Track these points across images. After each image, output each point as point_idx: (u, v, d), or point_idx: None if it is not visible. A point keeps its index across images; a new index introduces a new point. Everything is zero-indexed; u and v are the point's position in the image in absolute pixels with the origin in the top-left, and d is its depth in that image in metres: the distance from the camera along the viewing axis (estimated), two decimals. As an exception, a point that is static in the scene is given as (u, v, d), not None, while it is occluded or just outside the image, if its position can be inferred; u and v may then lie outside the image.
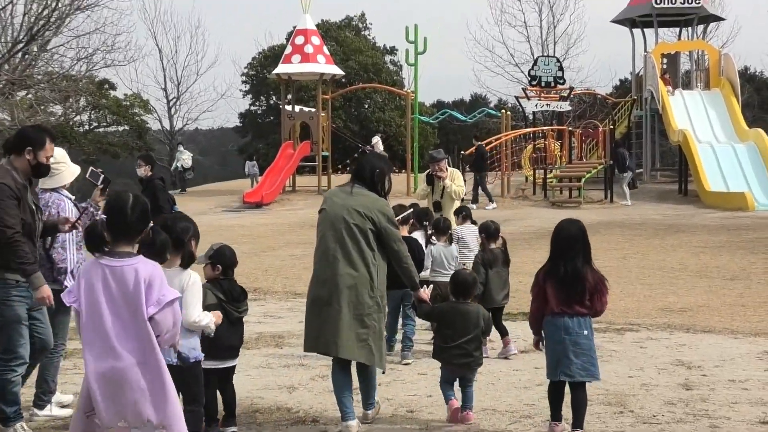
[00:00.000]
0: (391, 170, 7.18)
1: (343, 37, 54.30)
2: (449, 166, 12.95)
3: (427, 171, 12.88)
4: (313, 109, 34.81)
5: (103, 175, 7.10)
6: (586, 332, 6.37)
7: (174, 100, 53.65)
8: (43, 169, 6.59)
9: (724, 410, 6.96)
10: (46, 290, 6.25)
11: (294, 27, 38.67)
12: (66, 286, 6.35)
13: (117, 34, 30.95)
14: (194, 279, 5.62)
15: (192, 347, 5.63)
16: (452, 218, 11.44)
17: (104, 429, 4.57)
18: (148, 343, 4.53)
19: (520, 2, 54.59)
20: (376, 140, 38.51)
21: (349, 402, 6.52)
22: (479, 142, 28.71)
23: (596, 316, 6.51)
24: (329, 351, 6.51)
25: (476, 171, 28.01)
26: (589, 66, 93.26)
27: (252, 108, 58.43)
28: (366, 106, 54.23)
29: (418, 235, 9.88)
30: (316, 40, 33.23)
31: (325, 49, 33.97)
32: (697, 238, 19.34)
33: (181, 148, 39.55)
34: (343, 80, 52.50)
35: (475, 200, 27.11)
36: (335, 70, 33.98)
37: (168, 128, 53.93)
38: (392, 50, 58.12)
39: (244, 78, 57.13)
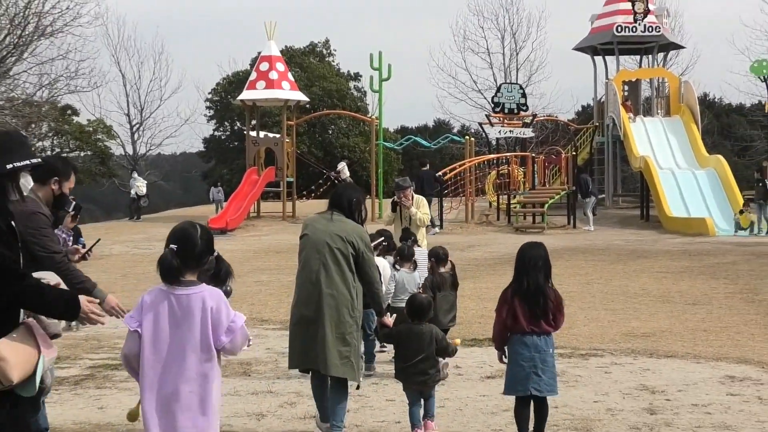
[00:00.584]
0: (365, 199, 7.65)
1: (308, 63, 54.51)
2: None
3: (393, 198, 13.02)
4: (277, 135, 34.88)
5: (74, 203, 7.42)
6: (551, 350, 6.79)
7: (137, 125, 53.56)
8: (64, 200, 6.59)
9: (688, 434, 7.06)
10: (113, 299, 6.11)
11: (258, 53, 38.76)
12: None
13: (80, 60, 30.77)
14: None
15: None
16: (425, 239, 11.97)
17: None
18: (209, 372, 4.69)
19: (483, 29, 55.15)
20: (342, 166, 38.73)
21: (324, 407, 7.09)
22: (423, 168, 28.92)
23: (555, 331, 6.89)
24: (318, 367, 6.87)
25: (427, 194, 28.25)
26: (552, 92, 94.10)
27: (216, 133, 58.41)
28: (330, 132, 54.37)
29: (387, 262, 10.00)
30: (280, 66, 33.34)
31: (290, 76, 34.11)
32: (659, 264, 19.58)
33: (135, 175, 39.11)
34: (308, 106, 52.72)
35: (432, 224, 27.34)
36: (300, 96, 34.09)
37: (131, 153, 53.78)
38: (356, 76, 58.42)
39: (208, 103, 57.12)
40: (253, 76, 33.54)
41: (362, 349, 8.16)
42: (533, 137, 48.76)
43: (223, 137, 58.63)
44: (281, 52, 57.33)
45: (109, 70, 60.65)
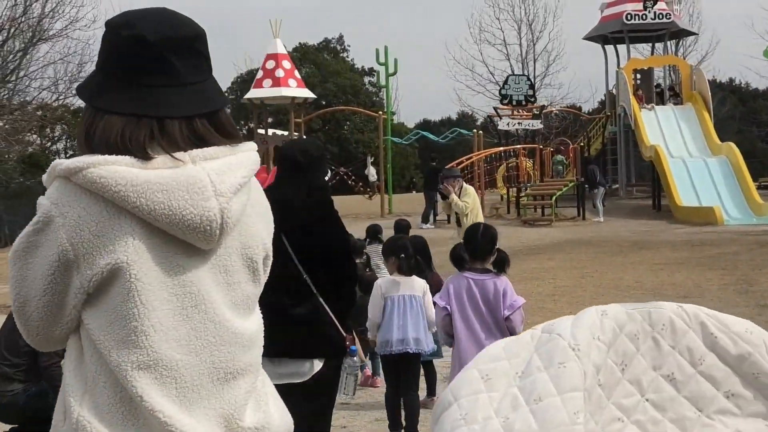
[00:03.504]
0: None
1: (321, 60, 54.43)
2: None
3: (439, 187, 13.96)
4: (285, 133, 34.81)
5: None
6: None
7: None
8: None
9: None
10: None
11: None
12: None
13: (81, 63, 30.83)
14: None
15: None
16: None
17: None
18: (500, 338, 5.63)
19: (498, 21, 54.81)
20: (373, 170, 38.15)
21: None
22: (432, 163, 28.93)
23: None
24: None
25: (428, 190, 28.25)
26: (570, 82, 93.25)
27: (259, 131, 58.42)
28: (345, 128, 54.32)
29: None
30: (287, 64, 33.24)
31: (297, 73, 34.00)
32: (660, 255, 19.31)
33: None
34: (323, 102, 52.70)
35: (425, 219, 27.36)
36: (307, 93, 33.98)
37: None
38: (371, 72, 58.27)
39: (248, 102, 57.12)
40: (260, 74, 33.48)
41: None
42: (552, 129, 48.76)
43: (241, 135, 58.70)
44: (294, 49, 57.71)
45: None
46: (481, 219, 13.35)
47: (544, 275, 17.08)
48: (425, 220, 27.88)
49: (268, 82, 32.82)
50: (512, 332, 5.69)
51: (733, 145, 31.51)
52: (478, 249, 6.11)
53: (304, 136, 40.48)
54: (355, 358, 5.25)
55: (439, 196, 13.97)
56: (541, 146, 32.78)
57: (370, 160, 37.61)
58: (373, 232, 12.70)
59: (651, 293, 14.65)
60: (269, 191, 4.70)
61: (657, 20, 36.27)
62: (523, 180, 30.67)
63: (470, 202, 13.21)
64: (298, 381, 4.73)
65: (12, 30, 26.20)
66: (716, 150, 31.86)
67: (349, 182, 34.32)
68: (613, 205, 31.91)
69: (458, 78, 64.99)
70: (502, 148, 32.57)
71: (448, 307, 6.01)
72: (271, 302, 4.37)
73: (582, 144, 31.38)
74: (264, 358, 4.39)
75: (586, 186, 29.31)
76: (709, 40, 73.78)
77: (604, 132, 37.30)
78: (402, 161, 53.74)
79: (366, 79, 57.73)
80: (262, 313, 4.34)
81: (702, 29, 57.84)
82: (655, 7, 36.12)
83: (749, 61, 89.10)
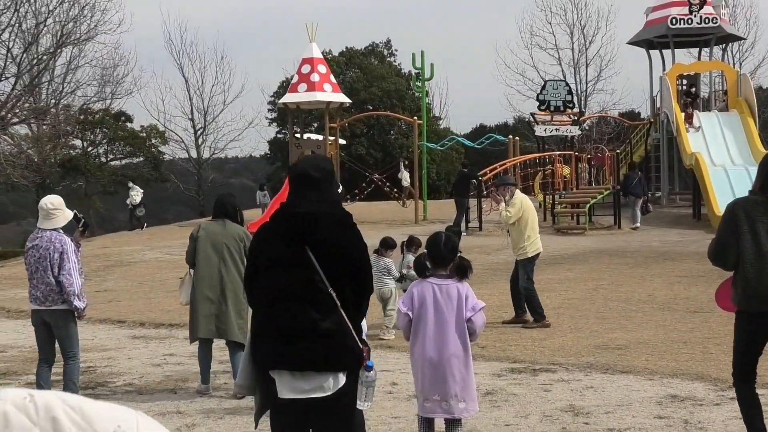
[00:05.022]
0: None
1: (367, 64, 54.20)
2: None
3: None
4: (321, 137, 34.62)
5: (83, 219, 9.29)
6: None
7: (201, 129, 54.01)
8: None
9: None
10: None
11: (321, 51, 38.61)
12: (76, 306, 8.36)
13: (104, 68, 31.05)
14: None
15: None
16: (527, 241, 12.86)
17: (422, 400, 6.35)
18: (465, 340, 6.31)
19: (550, 25, 54.24)
20: (406, 175, 37.87)
21: (208, 371, 9.19)
22: (464, 169, 28.51)
23: None
24: (221, 335, 9.09)
25: (459, 197, 27.81)
26: (623, 88, 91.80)
27: (279, 136, 58.50)
28: (390, 133, 54.01)
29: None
30: (322, 68, 33.03)
31: (332, 78, 33.76)
32: (682, 266, 18.71)
33: (130, 184, 38.27)
34: (369, 107, 52.47)
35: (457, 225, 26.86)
36: (342, 98, 33.72)
37: (195, 157, 54.27)
38: (418, 76, 57.86)
39: (270, 106, 57.26)
40: (295, 78, 33.30)
41: None
42: (605, 135, 48.01)
43: (286, 140, 58.76)
44: (341, 53, 57.63)
45: (165, 73, 61.35)
46: (533, 228, 13.00)
47: (557, 287, 16.61)
48: (457, 226, 27.43)
49: (303, 86, 32.62)
50: (472, 333, 6.35)
51: (776, 153, 30.58)
52: (440, 256, 6.43)
53: (342, 141, 40.38)
54: (371, 372, 5.05)
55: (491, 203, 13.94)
56: (576, 153, 32.07)
57: (402, 164, 37.27)
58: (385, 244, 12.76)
59: (660, 308, 14.17)
60: (287, 207, 4.93)
61: (703, 24, 35.37)
62: (558, 187, 30.07)
63: (513, 212, 12.81)
64: (321, 395, 4.70)
65: (38, 34, 26.41)
66: (760, 157, 30.90)
67: (385, 188, 33.98)
68: (655, 213, 31.14)
69: (509, 83, 64.51)
70: (536, 155, 31.94)
71: (410, 313, 6.32)
72: (297, 316, 4.72)
73: (618, 152, 30.61)
74: (286, 373, 4.69)
75: (621, 194, 28.63)
76: (767, 45, 72.59)
77: (647, 139, 36.50)
78: (448, 167, 53.28)
79: (417, 84, 57.34)
80: (287, 326, 4.74)
81: (759, 34, 56.71)
82: (701, 11, 35.25)
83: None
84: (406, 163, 39.72)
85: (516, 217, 12.87)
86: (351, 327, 4.81)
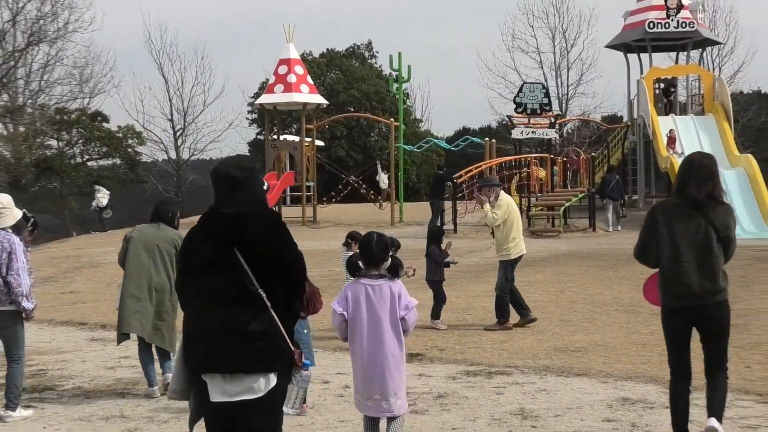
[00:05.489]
0: (179, 210, 9.77)
1: (348, 66, 54.09)
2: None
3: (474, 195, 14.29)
4: (297, 138, 34.50)
5: (32, 219, 9.49)
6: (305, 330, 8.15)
7: (180, 130, 53.78)
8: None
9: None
10: None
11: (300, 54, 38.47)
12: (24, 307, 8.28)
13: (78, 66, 30.83)
14: None
15: None
16: (512, 242, 12.77)
17: (363, 400, 6.35)
18: (399, 338, 6.37)
19: (532, 28, 54.30)
20: (384, 176, 37.78)
21: (152, 372, 9.17)
22: (440, 171, 28.59)
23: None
24: (139, 332, 9.18)
25: (434, 198, 27.81)
26: (603, 91, 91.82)
27: (259, 137, 58.28)
28: (371, 135, 53.88)
29: None
30: (299, 69, 32.93)
31: (309, 79, 33.64)
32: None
33: (96, 186, 37.73)
34: (350, 109, 52.33)
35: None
36: (319, 99, 33.62)
37: (175, 159, 54.03)
38: (398, 78, 57.75)
39: (250, 107, 57.06)
40: (272, 79, 33.19)
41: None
42: (585, 138, 48.06)
43: (266, 141, 58.65)
44: (321, 54, 57.45)
45: (119, 75, 60.99)
46: (517, 229, 12.91)
47: (525, 289, 16.38)
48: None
49: (280, 87, 32.51)
50: (406, 330, 6.40)
51: (750, 156, 30.70)
52: (373, 256, 6.46)
53: (320, 143, 40.18)
54: (307, 372, 5.30)
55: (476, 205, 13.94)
56: (552, 155, 32.07)
57: (380, 166, 37.17)
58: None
59: (624, 310, 14.15)
60: (214, 208, 4.82)
61: (680, 29, 35.44)
62: (534, 190, 30.04)
63: (499, 214, 12.72)
64: (252, 397, 4.66)
65: (6, 32, 26.18)
66: (735, 162, 31.03)
67: (361, 190, 33.88)
68: (630, 216, 31.13)
69: (490, 86, 64.51)
70: (512, 157, 31.91)
71: (345, 313, 6.35)
72: (226, 319, 4.65)
73: (594, 154, 30.62)
74: (217, 375, 4.65)
75: (597, 196, 28.65)
76: (746, 49, 72.96)
77: (624, 142, 36.53)
78: (428, 169, 53.21)
79: (395, 86, 57.25)
80: (216, 329, 4.64)
81: (738, 39, 56.87)
82: (678, 15, 35.32)
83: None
84: (385, 164, 39.61)
85: (503, 219, 12.78)
86: (282, 328, 4.74)
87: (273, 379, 4.71)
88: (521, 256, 13.15)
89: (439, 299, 13.21)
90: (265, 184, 5.98)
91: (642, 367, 9.89)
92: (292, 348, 4.82)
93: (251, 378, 4.66)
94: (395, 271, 6.53)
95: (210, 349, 4.66)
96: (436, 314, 13.06)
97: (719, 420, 6.56)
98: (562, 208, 28.27)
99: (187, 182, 53.98)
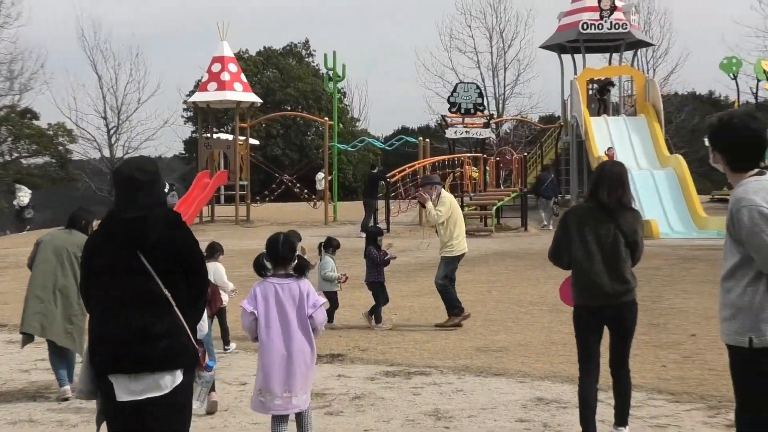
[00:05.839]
0: (93, 219, 9.49)
1: (284, 64, 53.83)
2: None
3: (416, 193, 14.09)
4: (230, 137, 34.25)
5: None
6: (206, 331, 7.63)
7: (114, 128, 53.07)
8: None
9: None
10: None
11: (235, 53, 38.16)
12: None
13: (2, 62, 30.24)
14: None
15: None
16: (456, 240, 12.83)
17: (270, 400, 6.40)
18: (309, 335, 6.47)
19: (470, 28, 54.42)
20: (320, 177, 37.71)
21: (63, 373, 9.08)
22: (373, 170, 28.60)
23: None
24: (45, 334, 9.16)
25: (367, 198, 27.82)
26: (540, 91, 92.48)
27: (195, 135, 57.80)
28: (308, 134, 53.71)
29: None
30: (233, 67, 32.70)
31: (243, 77, 33.42)
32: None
33: (17, 185, 36.30)
34: (287, 107, 52.10)
35: (364, 229, 26.77)
36: (252, 98, 33.42)
37: (109, 157, 53.31)
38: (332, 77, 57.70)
39: (185, 105, 56.50)
40: (205, 77, 32.92)
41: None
42: (522, 138, 48.34)
43: (202, 139, 58.14)
44: (258, 52, 57.15)
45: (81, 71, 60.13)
46: (461, 227, 12.97)
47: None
48: (365, 228, 27.29)
49: (213, 85, 32.28)
50: (314, 329, 6.50)
51: (680, 157, 31.17)
52: (279, 256, 6.57)
53: (255, 141, 39.91)
54: (211, 372, 5.35)
55: (418, 203, 13.88)
56: (485, 155, 32.22)
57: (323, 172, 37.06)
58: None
59: (549, 310, 14.20)
60: (116, 212, 4.82)
61: (613, 30, 35.86)
62: (467, 189, 30.14)
63: (443, 211, 12.78)
64: (159, 394, 4.72)
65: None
66: (665, 162, 31.48)
67: (295, 189, 33.74)
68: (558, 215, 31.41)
69: (428, 86, 64.61)
70: (445, 156, 31.97)
71: (256, 311, 6.42)
72: (132, 321, 4.70)
73: (526, 154, 30.84)
74: (122, 375, 4.69)
75: (532, 195, 28.86)
76: (680, 51, 74.02)
77: (557, 142, 36.85)
78: (365, 168, 53.13)
79: (330, 85, 57.16)
80: (122, 331, 4.69)
81: (672, 41, 57.66)
82: (612, 17, 35.72)
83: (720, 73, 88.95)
84: (320, 163, 39.53)
85: (446, 215, 12.85)
86: (187, 326, 4.83)
87: (179, 376, 4.77)
88: (464, 254, 13.24)
89: (378, 301, 13.16)
90: (166, 185, 6.05)
91: (560, 367, 9.94)
92: (197, 346, 4.92)
93: (157, 375, 4.71)
94: (302, 270, 6.65)
95: (116, 350, 4.70)
96: (378, 318, 13.00)
97: (624, 425, 6.96)
98: (495, 207, 28.40)
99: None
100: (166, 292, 4.75)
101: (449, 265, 13.07)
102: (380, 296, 13.19)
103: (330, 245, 13.29)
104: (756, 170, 4.65)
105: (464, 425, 7.65)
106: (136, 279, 4.73)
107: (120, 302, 4.73)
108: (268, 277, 6.60)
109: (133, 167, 4.93)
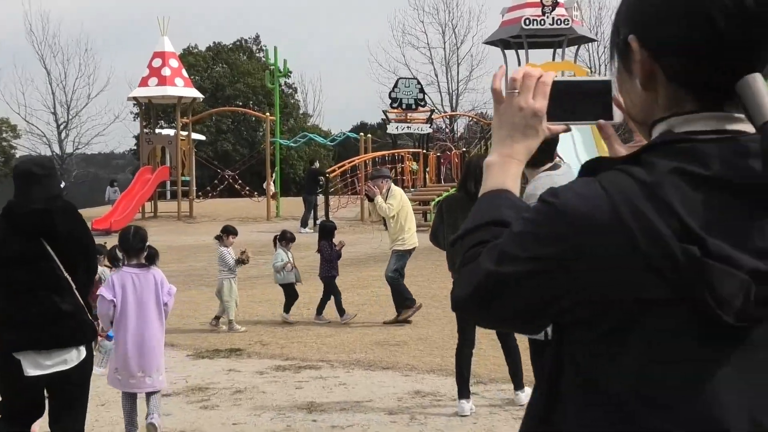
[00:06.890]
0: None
1: (234, 60, 53.67)
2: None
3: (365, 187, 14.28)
4: (172, 132, 34.13)
5: None
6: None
7: (64, 124, 52.68)
8: None
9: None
10: None
11: (184, 48, 37.99)
12: None
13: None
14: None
15: None
16: (407, 233, 12.89)
17: (126, 378, 6.83)
18: (162, 321, 7.01)
19: (423, 24, 54.60)
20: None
21: None
22: (312, 166, 28.73)
23: None
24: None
25: (306, 194, 27.92)
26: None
27: (145, 131, 57.44)
28: (259, 130, 53.59)
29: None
30: (174, 62, 32.59)
31: (184, 72, 33.34)
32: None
33: None
34: (239, 103, 51.94)
35: (304, 224, 26.84)
36: (194, 93, 33.33)
37: (59, 153, 52.91)
38: (287, 73, 57.61)
39: (135, 101, 56.08)
40: (146, 72, 32.75)
41: None
42: (465, 133, 48.53)
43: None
44: (208, 48, 56.89)
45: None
46: (412, 220, 13.03)
47: (373, 283, 16.68)
48: (304, 224, 27.32)
49: (154, 80, 32.17)
50: (166, 313, 7.07)
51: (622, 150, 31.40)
52: (130, 247, 7.05)
53: (201, 137, 39.78)
54: (110, 342, 6.75)
55: (366, 197, 13.93)
56: (424, 151, 32.35)
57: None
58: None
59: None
60: (19, 204, 5.34)
61: (555, 26, 36.07)
62: (408, 184, 30.25)
63: (395, 204, 12.80)
64: (66, 368, 5.43)
65: None
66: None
67: (236, 186, 33.69)
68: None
69: (382, 81, 64.71)
70: (386, 152, 32.07)
71: (115, 299, 6.81)
72: (41, 302, 5.33)
73: (465, 149, 31.02)
74: (32, 352, 5.34)
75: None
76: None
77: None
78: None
79: (282, 81, 57.05)
80: (33, 312, 5.33)
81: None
82: (554, 13, 35.93)
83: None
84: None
85: (397, 209, 12.87)
86: (84, 305, 5.57)
87: (83, 351, 5.53)
88: (415, 247, 13.32)
89: (327, 295, 13.12)
90: (62, 182, 6.66)
91: (449, 360, 9.96)
92: (92, 321, 5.78)
93: (65, 351, 5.44)
94: (152, 259, 7.19)
95: (29, 330, 5.34)
96: (340, 311, 12.91)
97: (521, 389, 7.77)
98: (434, 202, 28.51)
99: (72, 176, 52.94)
100: (67, 276, 5.42)
101: (401, 259, 13.16)
102: (330, 290, 13.18)
103: (284, 238, 13.54)
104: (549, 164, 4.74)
105: (332, 418, 7.71)
106: (42, 264, 5.35)
107: (30, 286, 5.38)
108: (122, 267, 7.19)
109: (31, 163, 5.61)
